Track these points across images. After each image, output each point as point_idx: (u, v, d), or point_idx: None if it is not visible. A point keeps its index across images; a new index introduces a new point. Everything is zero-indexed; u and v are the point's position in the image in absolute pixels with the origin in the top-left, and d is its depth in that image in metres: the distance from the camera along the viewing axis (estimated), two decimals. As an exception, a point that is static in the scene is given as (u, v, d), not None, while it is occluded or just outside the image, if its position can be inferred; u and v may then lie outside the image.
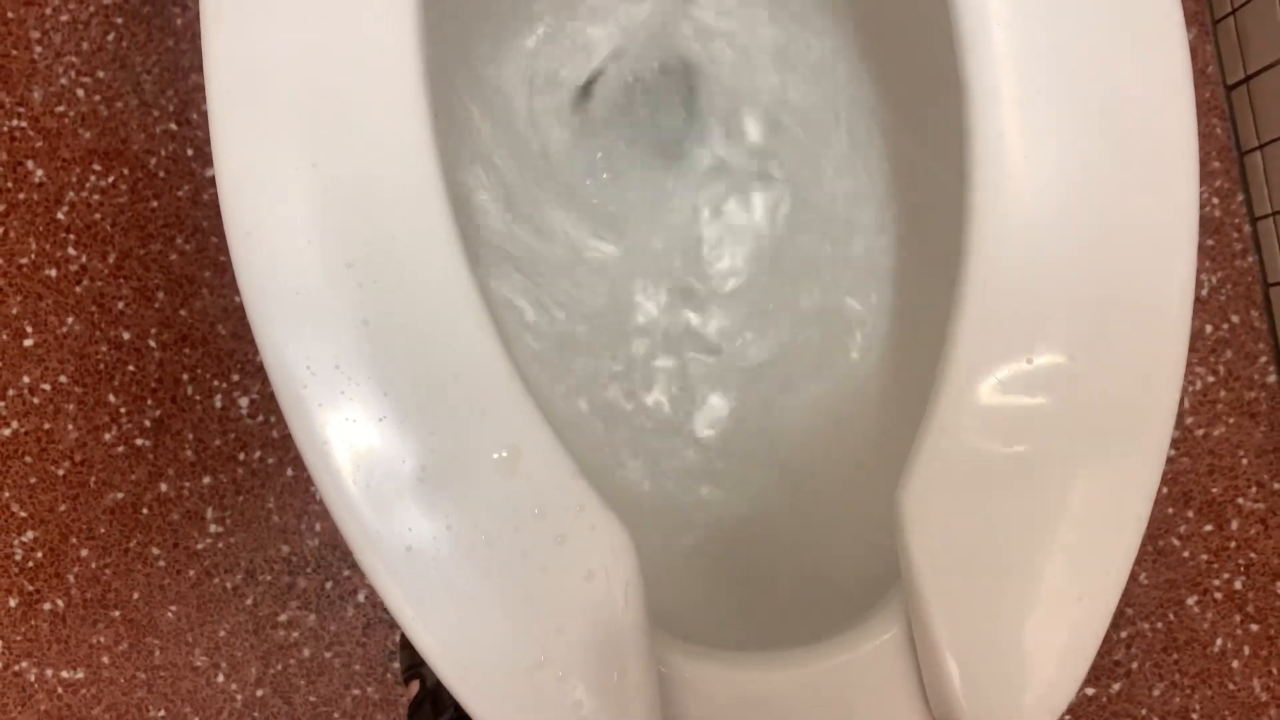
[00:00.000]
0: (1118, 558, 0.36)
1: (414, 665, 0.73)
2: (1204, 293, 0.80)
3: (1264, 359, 0.80)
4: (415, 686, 0.71)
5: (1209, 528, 0.79)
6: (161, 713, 0.78)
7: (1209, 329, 0.80)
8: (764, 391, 0.54)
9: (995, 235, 0.38)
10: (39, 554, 0.78)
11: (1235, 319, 0.80)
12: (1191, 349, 0.80)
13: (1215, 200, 0.81)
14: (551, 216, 0.55)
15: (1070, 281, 0.38)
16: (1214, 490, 0.80)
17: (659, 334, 0.54)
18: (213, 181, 0.79)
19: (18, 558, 0.78)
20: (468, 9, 0.55)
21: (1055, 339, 0.37)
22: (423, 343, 0.36)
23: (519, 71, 0.59)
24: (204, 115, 0.80)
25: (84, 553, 0.78)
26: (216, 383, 0.79)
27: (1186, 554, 0.79)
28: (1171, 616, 0.79)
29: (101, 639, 0.78)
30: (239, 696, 0.78)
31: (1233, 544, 0.79)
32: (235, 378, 0.79)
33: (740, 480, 0.52)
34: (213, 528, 0.78)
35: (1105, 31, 0.39)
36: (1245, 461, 0.80)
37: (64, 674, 0.78)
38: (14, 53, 0.81)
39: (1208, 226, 0.81)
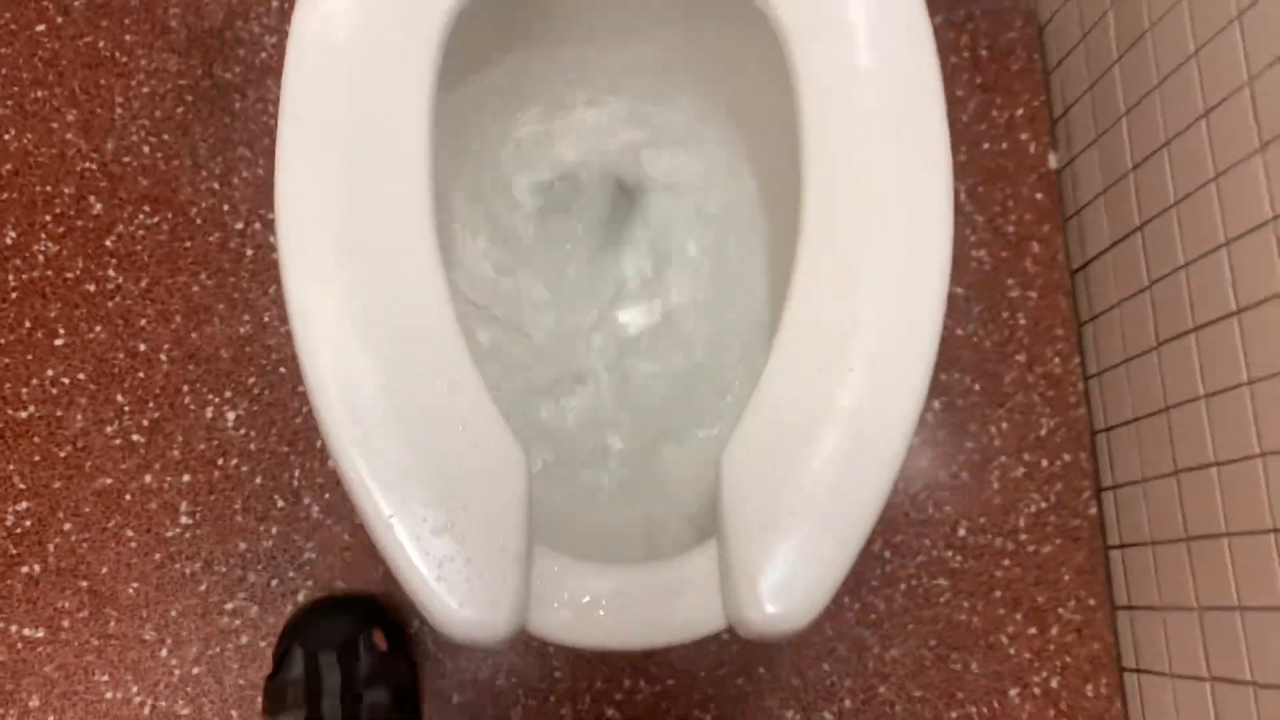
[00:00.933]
0: (858, 526, 0.50)
1: (287, 651, 0.83)
2: (1043, 433, 0.97)
3: (1087, 494, 0.96)
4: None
5: (1033, 630, 0.93)
6: (105, 677, 0.88)
7: (1044, 463, 0.96)
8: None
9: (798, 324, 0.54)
10: (28, 522, 0.89)
11: (1067, 457, 0.97)
12: (1029, 479, 0.96)
13: (1058, 360, 0.98)
14: (504, 270, 0.72)
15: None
16: (1039, 599, 0.94)
17: (579, 370, 0.70)
18: (239, 232, 0.96)
19: (9, 523, 0.89)
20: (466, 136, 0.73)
21: (849, 365, 0.53)
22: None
23: (500, 168, 0.77)
24: (244, 181, 0.98)
25: (67, 526, 0.89)
26: (211, 396, 0.93)
27: (1012, 651, 0.93)
28: (995, 704, 0.92)
29: (66, 604, 0.88)
30: (176, 671, 0.88)
31: (1052, 647, 0.93)
32: (227, 394, 0.93)
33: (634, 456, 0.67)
34: (184, 519, 0.90)
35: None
36: (1067, 577, 0.94)
37: (25, 631, 0.88)
38: (99, 110, 0.99)
39: (1050, 381, 0.98)
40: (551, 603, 0.51)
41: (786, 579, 0.49)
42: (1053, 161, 1.02)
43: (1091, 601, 0.94)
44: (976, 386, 0.97)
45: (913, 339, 0.53)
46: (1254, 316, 0.73)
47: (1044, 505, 0.96)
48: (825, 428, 0.52)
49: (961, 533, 0.95)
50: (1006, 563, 0.94)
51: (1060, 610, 0.94)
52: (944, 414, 0.97)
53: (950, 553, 0.94)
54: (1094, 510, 0.96)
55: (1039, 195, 1.02)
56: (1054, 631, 0.93)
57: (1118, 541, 0.93)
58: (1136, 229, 0.88)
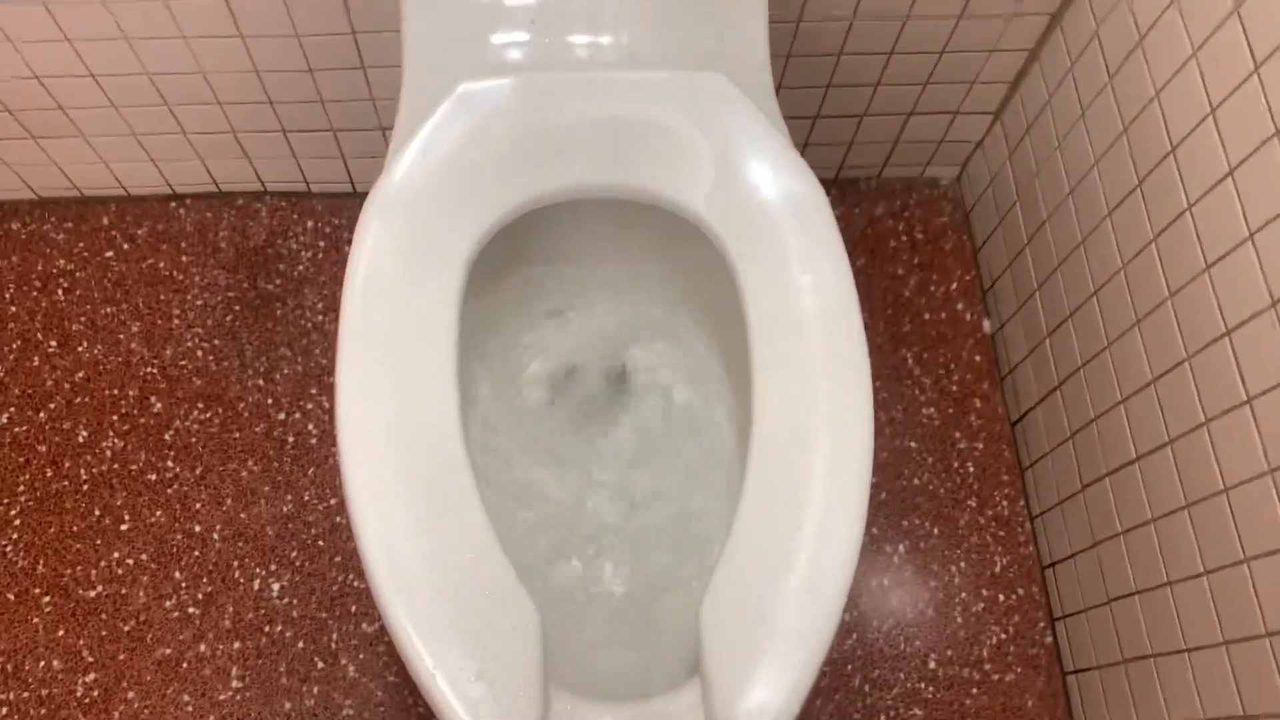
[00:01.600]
0: (814, 657, 0.62)
1: None
2: (998, 570, 1.09)
3: (1042, 624, 1.07)
4: None
5: (1003, 754, 1.03)
6: (163, 834, 0.97)
7: (1001, 597, 1.08)
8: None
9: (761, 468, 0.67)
10: (95, 692, 1.00)
11: (1021, 591, 1.08)
12: (989, 613, 1.07)
13: (1005, 503, 1.11)
14: (520, 447, 0.85)
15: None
16: (1007, 724, 1.03)
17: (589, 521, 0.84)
18: (281, 422, 1.10)
19: (78, 694, 1.00)
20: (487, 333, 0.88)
21: (800, 527, 0.66)
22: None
23: (511, 366, 0.91)
24: (285, 378, 1.13)
25: (130, 695, 1.00)
26: (258, 570, 1.05)
27: (986, 773, 1.02)
28: (974, 824, 1.00)
29: (128, 767, 0.98)
30: (228, 826, 0.97)
31: (1021, 769, 1.02)
32: (273, 567, 1.05)
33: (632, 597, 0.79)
34: (234, 683, 1.01)
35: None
36: (1030, 703, 1.04)
37: (92, 794, 0.97)
38: (159, 322, 1.15)
39: (1000, 522, 1.10)
40: (565, 735, 0.62)
41: (760, 704, 0.60)
42: (986, 327, 1.17)
43: (1054, 723, 1.04)
44: (935, 530, 1.10)
45: (847, 501, 0.66)
46: (1150, 462, 0.86)
47: (1004, 636, 1.06)
48: (782, 580, 0.64)
49: (932, 665, 1.05)
50: (974, 691, 1.04)
51: (1027, 733, 1.03)
52: (908, 556, 1.09)
53: (923, 684, 1.04)
54: (1050, 639, 1.06)
55: (977, 357, 1.16)
56: (1022, 753, 1.03)
57: (1072, 667, 1.03)
58: (1055, 387, 1.02)
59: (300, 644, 1.03)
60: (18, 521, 1.06)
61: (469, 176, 0.73)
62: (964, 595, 1.07)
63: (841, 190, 1.24)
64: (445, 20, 0.79)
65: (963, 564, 1.08)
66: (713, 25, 0.81)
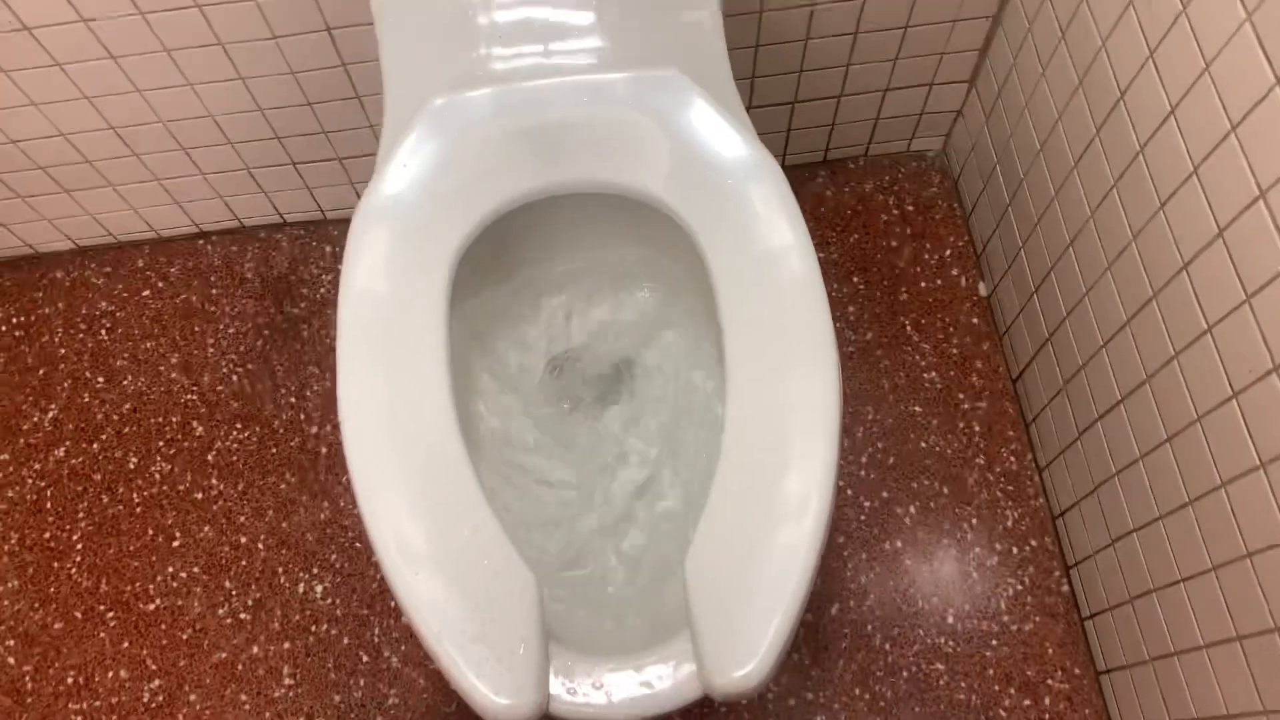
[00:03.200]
0: (795, 602, 0.66)
1: None
2: (1009, 524, 1.11)
3: (1058, 573, 1.09)
4: None
5: (1028, 702, 1.05)
6: (231, 825, 1.03)
7: (1014, 550, 1.10)
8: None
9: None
10: (160, 697, 1.07)
11: (1034, 543, 1.10)
12: (1003, 564, 1.09)
13: (1013, 458, 1.14)
14: (530, 430, 0.91)
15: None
16: (1029, 673, 1.06)
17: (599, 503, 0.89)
18: (314, 435, 1.16)
19: (145, 699, 1.07)
20: (487, 321, 0.94)
21: (771, 481, 0.70)
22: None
23: (518, 345, 0.97)
24: (314, 394, 1.20)
25: (192, 697, 1.07)
26: (301, 574, 1.12)
27: (1010, 721, 1.04)
28: (1001, 771, 1.03)
29: (195, 765, 1.05)
30: (289, 814, 1.04)
31: (1046, 716, 1.04)
32: (315, 570, 1.12)
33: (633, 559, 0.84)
34: (287, 681, 1.08)
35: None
36: (1051, 650, 1.06)
37: (164, 792, 1.05)
38: (196, 352, 1.22)
39: (1009, 477, 1.13)
40: (565, 687, 0.67)
41: (746, 649, 0.64)
42: (982, 289, 1.20)
43: (1077, 670, 1.06)
44: (945, 490, 1.12)
45: (818, 452, 0.70)
46: (1133, 400, 0.88)
47: (1020, 587, 1.09)
48: (761, 529, 0.68)
49: (950, 620, 1.08)
50: (994, 643, 1.07)
51: (1050, 681, 1.05)
52: (920, 516, 1.12)
53: (943, 639, 1.07)
54: (1065, 587, 1.08)
55: (975, 320, 1.19)
56: (1047, 702, 1.05)
57: (1089, 612, 1.05)
58: (1047, 339, 1.05)
59: (345, 640, 1.09)
60: (80, 545, 1.14)
61: (447, 183, 0.79)
62: (978, 550, 1.10)
63: (831, 170, 1.28)
64: (417, 44, 0.85)
65: (974, 520, 1.11)
66: (668, 24, 0.85)
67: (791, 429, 0.71)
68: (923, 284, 1.21)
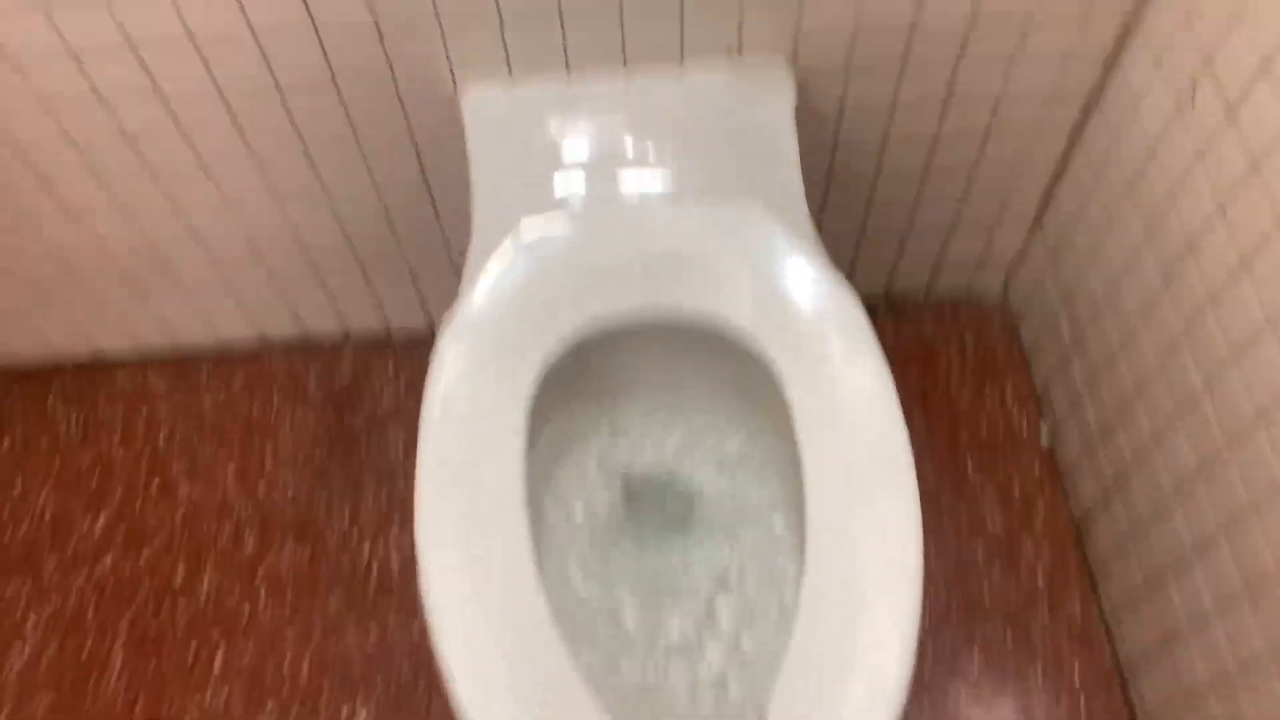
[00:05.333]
0: None
1: None
2: (1074, 673, 1.07)
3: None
4: None
5: None
6: None
7: (1083, 701, 1.06)
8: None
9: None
10: (191, 822, 1.03)
11: (1101, 696, 1.06)
12: (1071, 717, 1.05)
13: (1077, 604, 1.10)
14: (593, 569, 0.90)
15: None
16: None
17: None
18: (366, 553, 1.15)
19: None
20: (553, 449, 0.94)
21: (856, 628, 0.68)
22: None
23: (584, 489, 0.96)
24: (369, 509, 1.19)
25: (224, 824, 1.03)
26: (345, 699, 1.09)
27: None
28: None
29: None
30: None
31: None
32: (360, 697, 1.09)
33: None
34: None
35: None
36: None
37: None
38: (253, 462, 1.23)
39: (1072, 623, 1.10)
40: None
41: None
42: (1044, 436, 1.19)
43: None
44: (1009, 635, 1.09)
45: (900, 601, 0.68)
46: (1205, 555, 0.87)
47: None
48: (845, 677, 0.67)
49: (1016, 775, 1.03)
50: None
51: None
52: (983, 663, 1.08)
53: (1009, 795, 1.03)
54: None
55: (1036, 461, 1.18)
56: None
57: (1162, 772, 1.01)
58: (1112, 487, 1.03)
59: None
60: (120, 657, 1.12)
61: (532, 305, 0.80)
62: (1043, 698, 1.06)
63: (891, 308, 1.29)
64: (508, 165, 0.88)
65: (1039, 666, 1.08)
66: (749, 158, 0.88)
67: (872, 585, 0.70)
68: (983, 425, 1.21)
